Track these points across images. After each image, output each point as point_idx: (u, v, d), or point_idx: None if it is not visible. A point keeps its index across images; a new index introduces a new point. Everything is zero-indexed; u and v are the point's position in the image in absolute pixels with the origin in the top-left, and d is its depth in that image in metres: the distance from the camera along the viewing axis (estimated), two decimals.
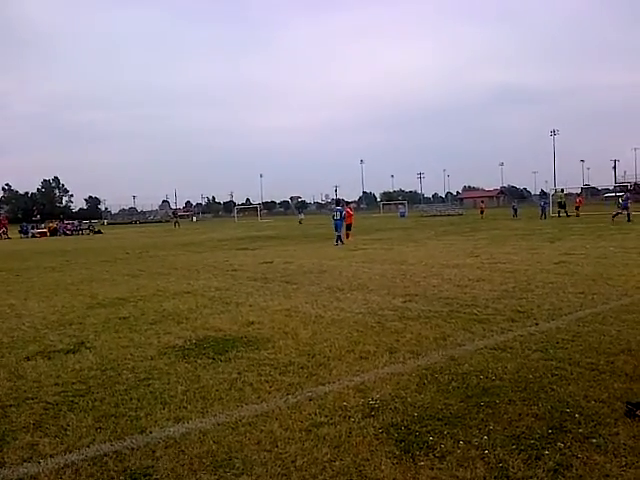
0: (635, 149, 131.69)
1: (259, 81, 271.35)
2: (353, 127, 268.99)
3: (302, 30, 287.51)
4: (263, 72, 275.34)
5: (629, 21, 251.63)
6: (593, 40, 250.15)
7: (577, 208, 41.61)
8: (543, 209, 40.58)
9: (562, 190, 47.42)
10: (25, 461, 3.66)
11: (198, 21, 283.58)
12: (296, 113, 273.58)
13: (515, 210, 45.82)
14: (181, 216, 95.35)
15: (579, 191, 61.75)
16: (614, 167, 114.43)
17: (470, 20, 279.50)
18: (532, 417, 3.99)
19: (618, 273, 10.66)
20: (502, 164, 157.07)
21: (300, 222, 53.83)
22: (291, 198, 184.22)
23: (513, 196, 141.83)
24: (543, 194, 67.16)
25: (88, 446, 3.85)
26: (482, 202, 57.45)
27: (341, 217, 22.38)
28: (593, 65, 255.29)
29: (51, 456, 3.72)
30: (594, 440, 3.59)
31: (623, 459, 3.35)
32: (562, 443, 3.56)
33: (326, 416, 4.19)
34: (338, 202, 27.41)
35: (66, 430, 4.13)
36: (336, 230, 22.06)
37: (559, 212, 40.80)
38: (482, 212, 50.53)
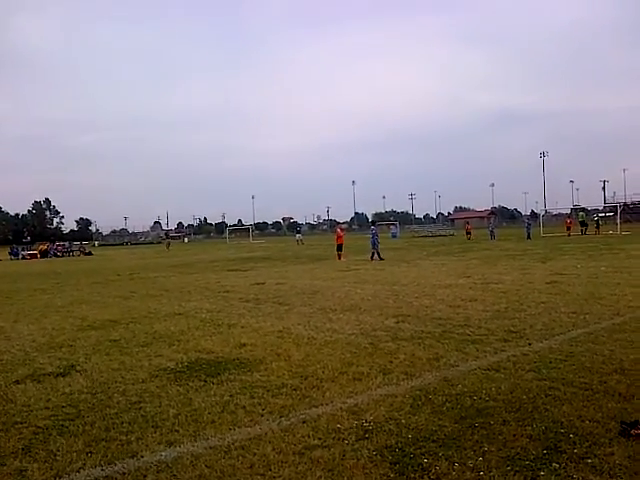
0: (624, 170, 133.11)
1: (252, 103, 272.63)
2: (345, 148, 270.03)
3: (297, 53, 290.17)
4: (256, 94, 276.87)
5: (619, 46, 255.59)
6: (583, 64, 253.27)
7: (568, 229, 43.10)
8: (528, 230, 41.19)
9: (583, 210, 54.36)
10: None
11: (193, 43, 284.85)
12: (289, 135, 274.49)
13: (528, 229, 42.05)
14: (173, 237, 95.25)
15: (568, 212, 62.91)
16: (603, 188, 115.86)
17: (460, 44, 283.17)
18: (527, 438, 3.97)
19: (610, 292, 10.71)
20: (493, 185, 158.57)
21: (301, 243, 52.33)
22: (283, 219, 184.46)
23: (503, 216, 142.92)
24: (533, 215, 67.94)
25: (78, 471, 3.79)
26: (468, 223, 56.60)
27: (374, 236, 24.65)
28: (583, 88, 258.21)
29: None
30: (589, 460, 3.57)
31: (619, 479, 3.33)
32: (557, 464, 3.54)
33: (319, 439, 4.15)
34: (374, 222, 30.91)
35: (56, 455, 4.06)
36: (373, 247, 24.16)
37: (581, 230, 43.99)
38: (469, 233, 48.91)
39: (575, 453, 3.69)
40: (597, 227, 44.56)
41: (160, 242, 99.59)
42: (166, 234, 78.54)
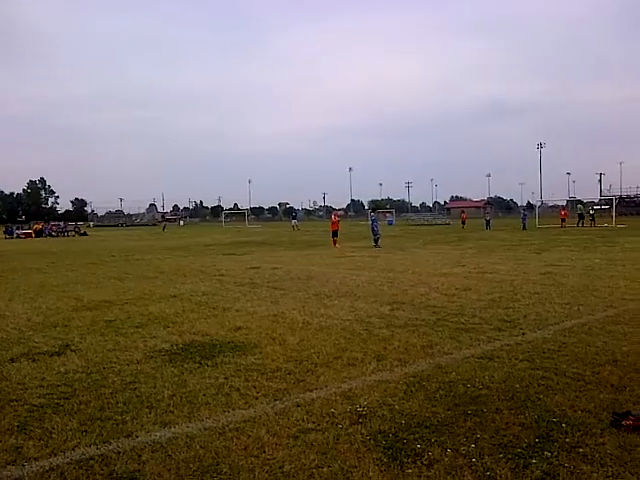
0: (621, 163, 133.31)
1: (250, 86, 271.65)
2: (342, 135, 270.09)
3: (295, 36, 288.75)
4: (254, 77, 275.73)
5: (618, 37, 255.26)
6: (582, 55, 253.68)
7: (562, 220, 43.60)
8: (523, 221, 41.50)
9: (580, 202, 55.07)
10: (9, 464, 3.62)
11: (190, 25, 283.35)
12: (286, 119, 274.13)
13: (524, 220, 42.47)
14: (168, 220, 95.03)
15: (564, 203, 63.42)
16: (600, 180, 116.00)
17: (460, 33, 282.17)
18: (519, 426, 4.01)
19: (604, 285, 10.76)
20: (489, 175, 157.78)
21: (297, 228, 52.47)
22: (279, 204, 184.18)
23: (499, 207, 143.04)
24: (529, 206, 68.38)
25: (73, 449, 3.81)
26: (463, 212, 57.28)
27: (375, 222, 25.51)
28: (581, 79, 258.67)
29: (35, 459, 3.68)
30: (581, 450, 3.61)
31: (609, 469, 3.37)
32: (549, 452, 3.58)
33: (313, 422, 4.18)
34: (374, 210, 30.02)
35: (51, 433, 4.08)
36: (373, 234, 24.67)
37: (578, 222, 44.49)
38: (464, 222, 49.86)
39: (567, 442, 3.72)
40: (592, 220, 44.77)
41: (155, 224, 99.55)
42: (162, 216, 78.56)
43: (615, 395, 4.60)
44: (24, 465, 3.59)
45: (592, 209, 49.83)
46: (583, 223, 44.08)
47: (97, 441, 3.94)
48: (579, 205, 52.43)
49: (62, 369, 5.72)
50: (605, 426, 3.95)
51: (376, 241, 24.27)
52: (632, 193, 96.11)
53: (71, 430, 4.13)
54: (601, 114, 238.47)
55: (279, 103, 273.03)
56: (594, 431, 3.89)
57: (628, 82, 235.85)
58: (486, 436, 3.85)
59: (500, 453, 3.59)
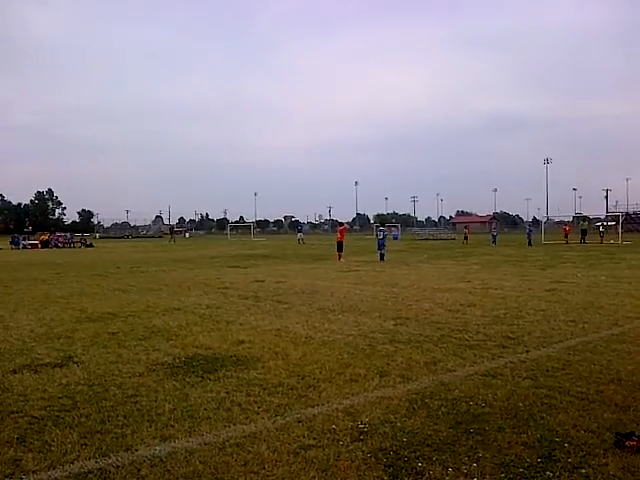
0: (627, 179, 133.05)
1: (257, 100, 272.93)
2: (348, 148, 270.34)
3: (303, 50, 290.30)
4: (261, 91, 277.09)
5: (624, 51, 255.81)
6: (588, 70, 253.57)
7: (566, 236, 43.60)
8: (529, 236, 41.37)
9: (584, 219, 55.87)
10: (7, 477, 3.60)
11: (198, 37, 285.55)
12: (292, 133, 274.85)
13: (529, 236, 42.50)
14: (176, 232, 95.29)
15: (570, 219, 63.59)
16: (606, 196, 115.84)
17: (465, 48, 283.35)
18: (521, 445, 3.97)
19: (609, 302, 10.71)
20: (495, 190, 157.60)
21: (302, 242, 52.33)
22: (284, 217, 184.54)
23: (505, 222, 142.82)
24: (535, 222, 68.44)
25: (72, 462, 3.79)
26: (466, 228, 57.22)
27: (384, 237, 25.54)
28: (587, 95, 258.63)
29: (34, 472, 3.66)
30: (583, 470, 3.57)
31: None
32: (551, 472, 3.54)
33: (314, 439, 4.15)
34: (382, 224, 30.66)
35: (50, 446, 4.07)
36: (379, 248, 24.86)
37: (582, 239, 44.04)
38: (466, 238, 49.40)
39: (569, 462, 3.68)
40: (601, 236, 44.50)
41: (161, 236, 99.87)
42: (171, 229, 78.89)
43: (619, 415, 4.56)
44: (22, 478, 3.58)
45: (602, 226, 49.46)
46: (585, 240, 43.55)
47: (96, 454, 3.92)
48: (583, 222, 52.33)
49: (64, 381, 5.72)
50: (608, 446, 3.91)
51: (382, 256, 24.42)
52: (638, 210, 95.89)
53: (71, 443, 4.11)
54: (608, 129, 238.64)
55: (286, 116, 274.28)
56: (597, 451, 3.84)
57: (635, 97, 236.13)
58: (488, 455, 3.82)
59: (502, 473, 3.55)
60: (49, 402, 5.04)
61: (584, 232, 44.95)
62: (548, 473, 3.53)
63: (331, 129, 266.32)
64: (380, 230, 26.55)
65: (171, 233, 70.34)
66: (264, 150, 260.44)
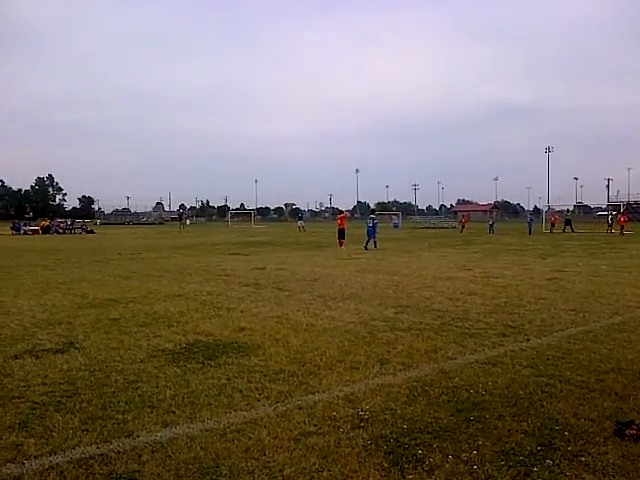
0: (629, 169, 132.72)
1: (261, 89, 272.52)
2: (349, 136, 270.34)
3: (304, 38, 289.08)
4: (265, 80, 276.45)
5: (626, 43, 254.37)
6: (590, 60, 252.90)
7: (552, 225, 44.48)
8: (530, 225, 41.44)
9: (568, 210, 56.60)
10: (9, 462, 3.62)
11: (198, 23, 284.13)
12: (294, 121, 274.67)
13: (530, 225, 42.93)
14: (174, 219, 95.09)
15: (571, 208, 64.20)
16: (607, 186, 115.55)
17: (468, 37, 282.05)
18: (521, 433, 3.98)
19: (610, 291, 10.71)
20: (497, 179, 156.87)
21: (302, 229, 52.34)
22: (285, 205, 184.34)
23: (506, 211, 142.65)
24: (536, 211, 68.60)
25: (74, 448, 3.81)
26: (463, 216, 57.19)
27: (374, 225, 24.98)
28: (589, 84, 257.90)
29: (36, 457, 3.68)
30: (583, 458, 3.58)
31: (611, 479, 3.34)
32: (551, 460, 3.55)
33: (315, 425, 4.17)
34: (373, 211, 29.84)
35: (52, 431, 4.08)
36: (368, 236, 24.60)
37: (564, 228, 44.75)
38: (463, 227, 49.40)
39: (569, 450, 3.69)
40: (610, 226, 43.67)
41: (162, 223, 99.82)
42: (180, 215, 78.58)
43: (619, 404, 4.57)
44: (24, 463, 3.59)
45: (611, 214, 48.72)
46: (567, 229, 44.24)
47: (98, 440, 3.93)
48: (566, 212, 54.35)
49: (65, 367, 5.73)
50: (608, 435, 3.92)
51: (374, 243, 24.25)
52: None
53: (72, 429, 4.12)
54: (610, 120, 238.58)
55: (288, 106, 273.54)
56: (597, 440, 3.86)
57: (637, 88, 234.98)
58: (488, 443, 3.83)
59: (502, 460, 3.57)
60: (50, 388, 5.05)
61: (568, 222, 45.72)
62: (548, 461, 3.54)
63: (332, 118, 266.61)
64: (370, 218, 25.84)
65: (180, 219, 70.10)
66: (265, 138, 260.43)
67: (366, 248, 23.75)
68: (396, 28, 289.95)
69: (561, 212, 64.48)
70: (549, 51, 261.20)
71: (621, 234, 39.05)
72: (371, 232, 24.68)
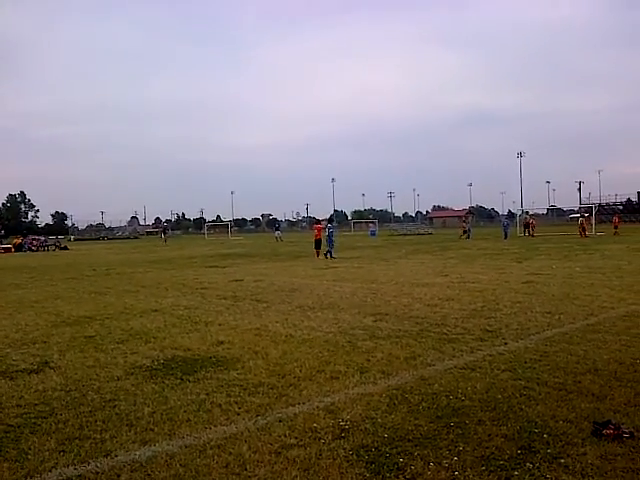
0: (599, 171, 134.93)
1: (232, 98, 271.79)
2: (324, 145, 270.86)
3: (275, 49, 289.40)
4: (237, 89, 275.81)
5: (595, 48, 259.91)
6: (560, 65, 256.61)
7: (532, 229, 45.08)
8: (505, 229, 41.70)
9: (527, 212, 59.53)
10: None
11: (169, 37, 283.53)
12: (268, 131, 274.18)
13: (506, 229, 42.50)
14: (149, 232, 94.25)
15: (545, 212, 65.14)
16: (579, 189, 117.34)
17: (441, 44, 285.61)
18: (501, 437, 4.01)
19: (584, 293, 10.86)
20: (471, 184, 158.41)
21: (280, 240, 52.11)
22: (262, 215, 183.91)
23: (481, 216, 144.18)
24: (510, 215, 69.59)
25: (50, 470, 3.73)
26: (464, 222, 57.61)
27: (330, 233, 24.83)
28: (560, 89, 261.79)
29: None
30: (562, 460, 3.61)
31: (590, 479, 3.37)
32: (531, 464, 3.58)
33: (296, 438, 4.14)
34: (330, 220, 29.91)
35: (27, 454, 3.99)
36: (328, 245, 24.29)
37: (524, 232, 45.86)
38: (464, 232, 49.77)
39: (549, 453, 3.72)
40: (583, 230, 43.06)
41: (137, 237, 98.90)
42: (164, 228, 78.18)
43: (596, 404, 4.62)
44: None
45: (582, 216, 48.91)
46: (529, 232, 45.14)
47: (75, 461, 3.86)
48: (526, 215, 56.27)
49: (40, 387, 5.62)
50: (586, 436, 3.97)
51: (330, 252, 24.03)
52: (611, 201, 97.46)
53: (48, 450, 4.04)
54: (580, 123, 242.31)
55: (261, 115, 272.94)
56: (575, 441, 3.90)
57: (607, 92, 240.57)
58: (469, 448, 3.84)
59: (483, 466, 3.58)
60: (25, 409, 4.95)
61: (527, 225, 46.90)
62: (528, 464, 3.57)
63: (307, 128, 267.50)
64: (327, 227, 25.70)
65: (163, 232, 69.79)
66: (240, 149, 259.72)
67: (331, 256, 23.70)
68: (369, 38, 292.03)
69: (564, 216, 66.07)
70: (520, 57, 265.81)
71: (532, 236, 42.32)
72: (329, 242, 24.53)
